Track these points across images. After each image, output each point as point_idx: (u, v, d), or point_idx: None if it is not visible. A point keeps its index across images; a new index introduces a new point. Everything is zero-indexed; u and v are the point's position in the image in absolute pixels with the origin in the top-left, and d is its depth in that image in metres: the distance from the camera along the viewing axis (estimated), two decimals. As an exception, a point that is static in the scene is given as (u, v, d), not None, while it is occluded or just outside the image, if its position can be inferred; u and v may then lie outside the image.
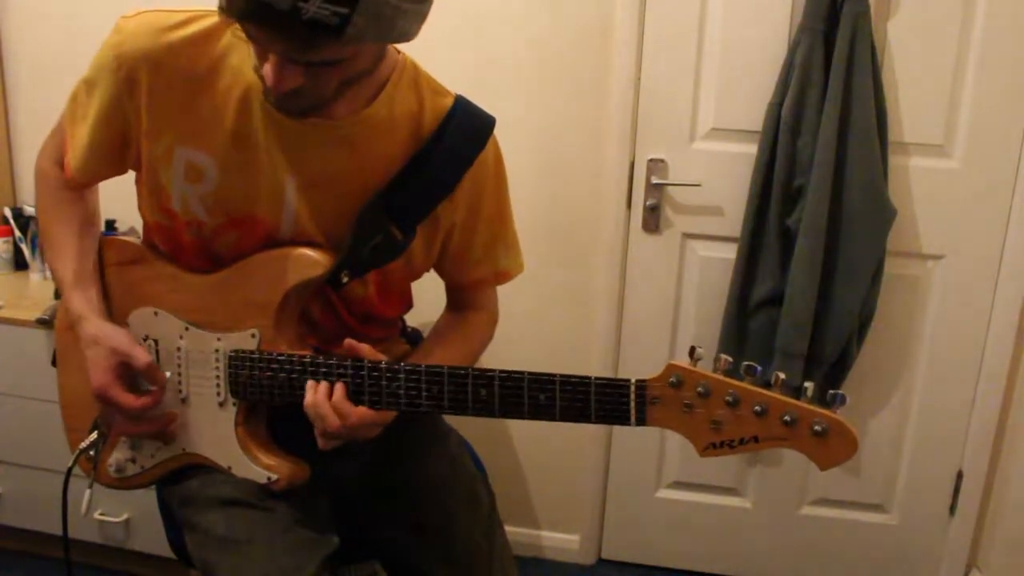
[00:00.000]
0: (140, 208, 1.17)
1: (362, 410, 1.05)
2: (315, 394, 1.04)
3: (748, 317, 1.97)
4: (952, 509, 2.11)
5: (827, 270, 1.87)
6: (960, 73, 1.86)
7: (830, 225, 1.85)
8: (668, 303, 2.09)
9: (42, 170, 1.21)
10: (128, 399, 1.10)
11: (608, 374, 2.12)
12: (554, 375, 1.00)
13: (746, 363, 0.95)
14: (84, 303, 1.13)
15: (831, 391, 0.94)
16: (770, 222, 1.90)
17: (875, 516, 2.16)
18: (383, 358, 1.07)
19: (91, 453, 1.18)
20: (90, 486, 1.20)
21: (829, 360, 1.94)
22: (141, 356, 1.10)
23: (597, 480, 2.23)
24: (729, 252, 1.97)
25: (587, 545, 2.28)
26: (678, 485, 2.22)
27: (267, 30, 0.85)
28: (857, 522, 2.16)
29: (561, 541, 2.30)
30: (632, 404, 0.98)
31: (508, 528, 1.34)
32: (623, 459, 2.21)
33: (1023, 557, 1.95)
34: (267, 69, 0.91)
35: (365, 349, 1.06)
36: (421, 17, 0.91)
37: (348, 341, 1.06)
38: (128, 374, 1.11)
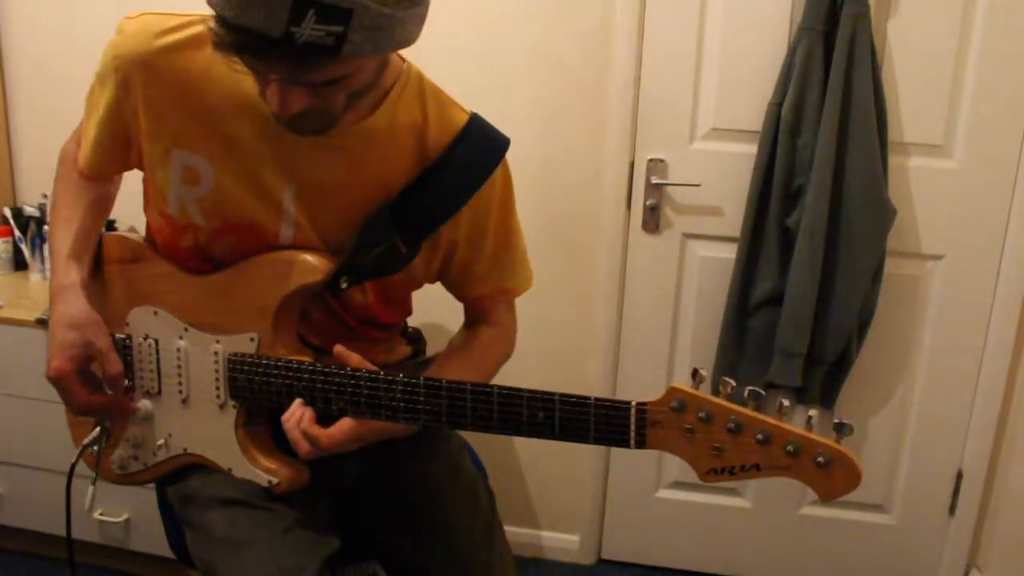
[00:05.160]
0: (145, 209, 1.17)
1: (332, 432, 1.04)
2: (290, 416, 1.05)
3: (748, 317, 1.97)
4: (952, 509, 2.11)
5: (827, 270, 1.87)
6: (960, 73, 1.86)
7: (830, 225, 1.85)
8: (668, 303, 2.09)
9: (65, 149, 1.22)
10: (81, 394, 1.08)
11: (608, 374, 2.14)
12: (554, 393, 0.98)
13: (750, 388, 0.93)
14: (72, 275, 1.11)
15: (837, 421, 0.92)
16: (770, 222, 1.90)
17: (875, 516, 2.16)
18: (372, 368, 1.07)
19: (94, 449, 1.19)
20: (93, 482, 1.20)
21: (829, 360, 1.94)
22: (116, 363, 1.09)
23: (597, 480, 2.23)
24: (729, 252, 1.97)
25: (587, 545, 2.28)
26: (678, 485, 2.22)
27: (264, 59, 0.84)
28: (857, 522, 2.16)
29: (561, 541, 2.30)
30: (632, 427, 0.97)
31: (508, 528, 1.34)
32: (623, 459, 2.21)
33: (1023, 557, 1.95)
34: (271, 95, 0.90)
35: (354, 359, 1.06)
36: (419, 20, 0.90)
37: (338, 348, 1.06)
38: (88, 366, 1.10)
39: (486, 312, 1.26)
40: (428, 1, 0.90)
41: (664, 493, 2.23)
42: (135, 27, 1.05)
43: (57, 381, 1.08)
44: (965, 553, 2.12)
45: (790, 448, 0.92)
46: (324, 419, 1.06)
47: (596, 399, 0.97)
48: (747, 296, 1.96)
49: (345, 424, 1.06)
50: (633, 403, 0.96)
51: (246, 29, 0.79)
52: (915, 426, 2.07)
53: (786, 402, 0.93)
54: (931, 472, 2.10)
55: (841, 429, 0.92)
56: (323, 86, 0.89)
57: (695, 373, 0.95)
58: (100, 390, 1.11)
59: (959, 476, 2.08)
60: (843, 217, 1.85)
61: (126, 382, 1.14)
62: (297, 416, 1.05)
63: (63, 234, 1.15)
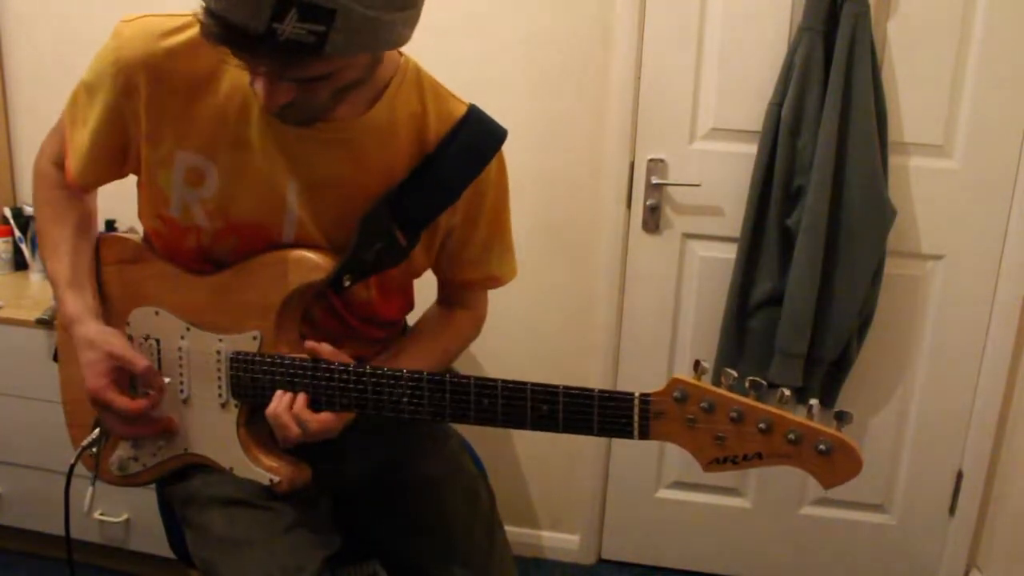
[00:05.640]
0: (139, 214, 1.17)
1: (323, 416, 1.06)
2: (278, 403, 1.05)
3: (748, 317, 1.97)
4: (952, 509, 2.11)
5: (827, 270, 1.87)
6: (960, 73, 1.86)
7: (830, 225, 1.85)
8: (668, 303, 2.09)
9: (41, 170, 1.21)
10: (124, 402, 1.09)
11: (608, 374, 2.14)
12: (557, 386, 0.99)
13: (751, 378, 0.94)
14: (79, 305, 1.13)
15: (837, 410, 0.93)
16: (770, 222, 1.90)
17: (875, 516, 2.16)
18: (347, 360, 1.07)
19: (93, 450, 1.19)
20: (92, 483, 1.20)
21: (829, 360, 1.94)
22: (139, 361, 1.10)
23: (597, 480, 2.23)
24: (729, 252, 1.97)
25: (587, 545, 2.28)
26: (678, 485, 2.22)
27: (248, 53, 0.85)
28: (857, 522, 2.16)
29: (561, 541, 2.30)
30: (635, 418, 0.97)
31: (508, 528, 1.34)
32: (623, 459, 2.21)
33: (1023, 557, 1.95)
34: (258, 86, 0.91)
35: (326, 350, 1.06)
36: (410, 22, 0.90)
37: (309, 344, 1.07)
38: (123, 377, 1.11)
39: (467, 296, 1.29)
40: (421, 4, 0.90)
41: (664, 493, 2.23)
42: (134, 30, 1.04)
43: (97, 399, 1.09)
44: (965, 553, 2.12)
45: (792, 436, 0.93)
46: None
47: (599, 391, 0.98)
48: (747, 296, 1.96)
49: (327, 412, 1.06)
50: (636, 394, 0.97)
51: (230, 22, 0.80)
52: (915, 426, 2.07)
53: (787, 392, 0.94)
54: (931, 472, 2.10)
55: (842, 418, 0.93)
56: (309, 81, 0.90)
57: (697, 364, 0.96)
58: (142, 393, 1.12)
59: (959, 476, 2.09)
60: (843, 217, 1.85)
61: (166, 380, 1.14)
62: (287, 401, 1.05)
63: (57, 263, 1.16)
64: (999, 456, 2.04)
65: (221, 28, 0.81)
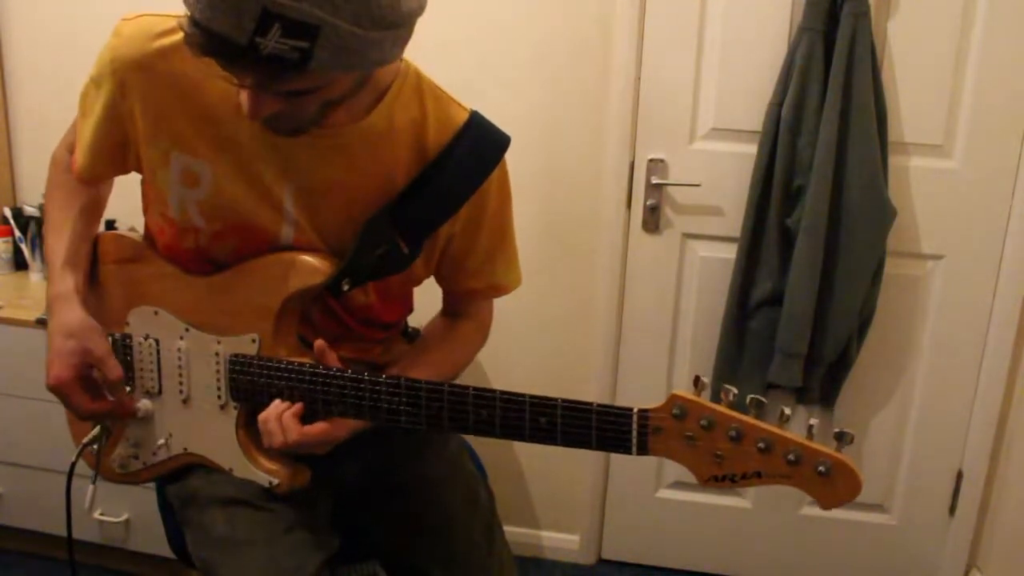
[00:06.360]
0: (144, 211, 1.17)
1: (312, 428, 1.05)
2: (271, 411, 1.05)
3: (748, 317, 1.97)
4: (952, 509, 2.11)
5: (827, 270, 1.87)
6: (960, 73, 1.86)
7: (830, 225, 1.85)
8: (668, 303, 2.09)
9: (56, 155, 1.22)
10: (83, 401, 1.08)
11: (608, 374, 2.14)
12: (556, 399, 0.98)
13: (751, 396, 0.93)
14: (69, 283, 1.12)
15: (837, 430, 0.92)
16: (770, 222, 1.90)
17: (875, 516, 2.16)
18: (344, 367, 1.07)
19: (94, 447, 1.19)
20: (93, 481, 1.20)
21: (829, 360, 1.94)
22: (114, 369, 1.09)
23: (597, 480, 2.23)
24: (729, 252, 1.97)
25: (587, 545, 2.28)
26: (678, 485, 2.22)
27: (231, 65, 0.84)
28: (857, 522, 2.16)
29: (561, 541, 2.30)
30: (634, 433, 0.97)
31: (508, 528, 1.34)
32: (623, 459, 2.21)
33: (1023, 557, 1.95)
34: (243, 96, 0.91)
35: (331, 358, 1.06)
36: (399, 41, 0.89)
37: (319, 343, 1.06)
38: (87, 372, 1.09)
39: (470, 306, 1.27)
40: (412, 23, 0.89)
41: (664, 493, 2.23)
42: (132, 29, 1.04)
43: (57, 389, 1.08)
44: (965, 553, 2.12)
45: (791, 457, 0.92)
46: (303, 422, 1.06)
47: (598, 405, 0.97)
48: (747, 296, 1.96)
49: (320, 424, 1.06)
50: (635, 410, 0.96)
51: (213, 33, 0.79)
52: (915, 426, 2.07)
53: (787, 410, 0.93)
54: (931, 472, 2.10)
55: (842, 438, 0.92)
56: (295, 95, 0.89)
57: (697, 380, 0.95)
58: (101, 396, 1.11)
59: (959, 476, 2.08)
60: (843, 217, 1.85)
61: (127, 389, 1.14)
62: (281, 409, 1.05)
63: (56, 242, 1.15)
64: (999, 456, 2.04)
65: (204, 38, 0.81)
